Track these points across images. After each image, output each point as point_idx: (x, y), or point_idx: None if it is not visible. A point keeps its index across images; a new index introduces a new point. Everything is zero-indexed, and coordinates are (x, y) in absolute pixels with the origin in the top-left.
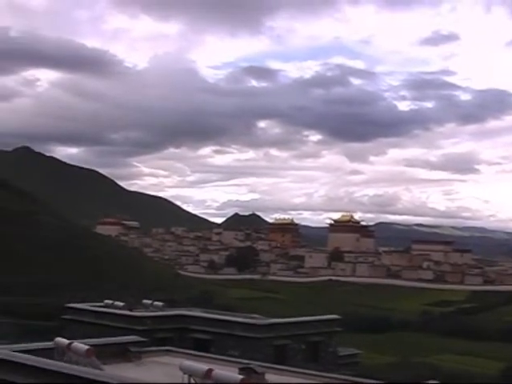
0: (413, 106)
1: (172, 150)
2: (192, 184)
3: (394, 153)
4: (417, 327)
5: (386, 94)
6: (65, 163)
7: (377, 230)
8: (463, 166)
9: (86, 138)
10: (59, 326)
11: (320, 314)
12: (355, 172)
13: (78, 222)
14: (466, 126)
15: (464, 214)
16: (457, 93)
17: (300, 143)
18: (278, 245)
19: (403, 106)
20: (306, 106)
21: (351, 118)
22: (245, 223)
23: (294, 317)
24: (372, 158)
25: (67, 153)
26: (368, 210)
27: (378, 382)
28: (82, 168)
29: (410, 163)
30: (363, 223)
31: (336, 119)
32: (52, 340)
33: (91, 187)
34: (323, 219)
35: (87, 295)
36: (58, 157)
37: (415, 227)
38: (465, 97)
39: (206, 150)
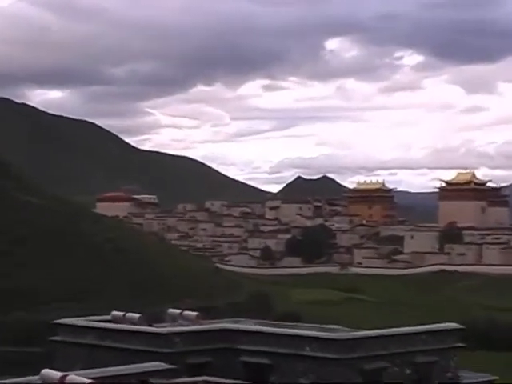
0: None
1: (201, 87)
2: (232, 137)
3: None
4: None
5: None
6: (44, 113)
7: None
8: None
9: (74, 76)
10: (47, 352)
11: (430, 322)
12: (475, 108)
13: (67, 200)
14: None
15: None
16: None
17: (390, 70)
18: (364, 221)
19: None
20: (398, 13)
21: (465, 27)
22: (312, 191)
23: (392, 327)
24: (501, 86)
25: (47, 98)
26: (497, 165)
27: None
28: (70, 119)
29: None
30: (491, 184)
31: (443, 31)
32: (38, 373)
33: (85, 147)
34: (429, 181)
35: (86, 306)
36: (33, 104)
37: None
38: None
39: (251, 87)
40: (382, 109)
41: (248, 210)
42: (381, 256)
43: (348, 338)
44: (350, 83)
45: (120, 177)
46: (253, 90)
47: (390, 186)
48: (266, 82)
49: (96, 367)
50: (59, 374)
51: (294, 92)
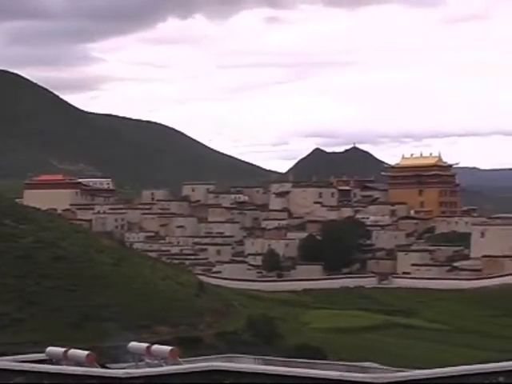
0: None
1: (174, 21)
2: (220, 93)
3: None
4: None
5: None
6: None
7: None
8: None
9: None
10: None
11: None
12: None
13: None
14: None
15: None
16: None
17: None
18: (412, 212)
19: None
20: None
21: None
22: (335, 168)
23: (455, 364)
24: None
25: None
26: None
27: None
28: None
29: None
30: None
31: None
32: None
33: (5, 108)
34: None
35: (9, 339)
36: None
37: None
38: None
39: (246, 19)
40: (439, 48)
41: (244, 198)
42: (437, 262)
43: (390, 380)
44: (389, 11)
45: (57, 152)
46: (248, 23)
47: (450, 161)
48: (267, 11)
49: None
50: None
51: (307, 26)
